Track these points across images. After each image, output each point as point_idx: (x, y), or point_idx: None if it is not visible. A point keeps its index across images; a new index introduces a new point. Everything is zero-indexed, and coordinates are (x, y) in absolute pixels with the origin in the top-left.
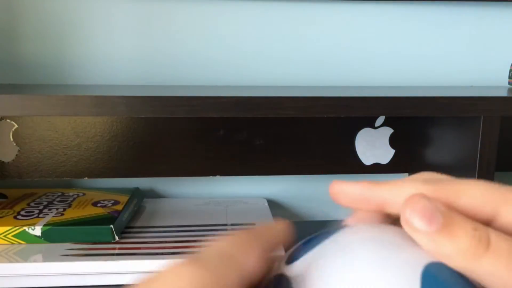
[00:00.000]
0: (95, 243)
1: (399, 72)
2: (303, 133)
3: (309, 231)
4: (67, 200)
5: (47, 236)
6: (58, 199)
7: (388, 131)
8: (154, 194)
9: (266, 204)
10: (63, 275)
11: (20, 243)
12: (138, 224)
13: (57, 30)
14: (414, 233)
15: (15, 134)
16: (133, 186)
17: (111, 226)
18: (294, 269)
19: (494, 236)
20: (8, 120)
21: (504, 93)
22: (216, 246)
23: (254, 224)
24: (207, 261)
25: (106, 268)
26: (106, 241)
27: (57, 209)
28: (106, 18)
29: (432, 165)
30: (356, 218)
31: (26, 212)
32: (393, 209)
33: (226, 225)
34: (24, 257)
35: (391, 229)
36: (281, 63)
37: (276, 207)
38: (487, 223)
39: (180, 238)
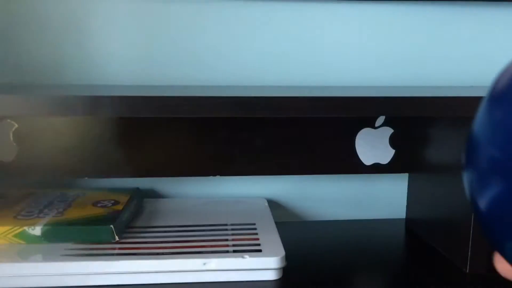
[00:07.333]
0: (95, 243)
1: (399, 72)
2: (303, 133)
3: (309, 231)
4: (67, 200)
5: (47, 236)
6: (58, 199)
7: (388, 131)
8: (154, 194)
9: (266, 204)
10: (63, 275)
11: (20, 243)
12: (138, 224)
13: (56, 30)
14: None
15: (15, 134)
16: (133, 186)
17: (111, 226)
18: None
19: None
20: (8, 120)
21: None
22: None
23: (254, 224)
24: None
25: (106, 268)
26: (106, 241)
27: (57, 209)
28: (106, 18)
29: (432, 165)
30: None
31: (26, 212)
32: None
33: (226, 225)
34: (24, 257)
35: None
36: (281, 63)
37: (276, 207)
38: None
39: (180, 238)
